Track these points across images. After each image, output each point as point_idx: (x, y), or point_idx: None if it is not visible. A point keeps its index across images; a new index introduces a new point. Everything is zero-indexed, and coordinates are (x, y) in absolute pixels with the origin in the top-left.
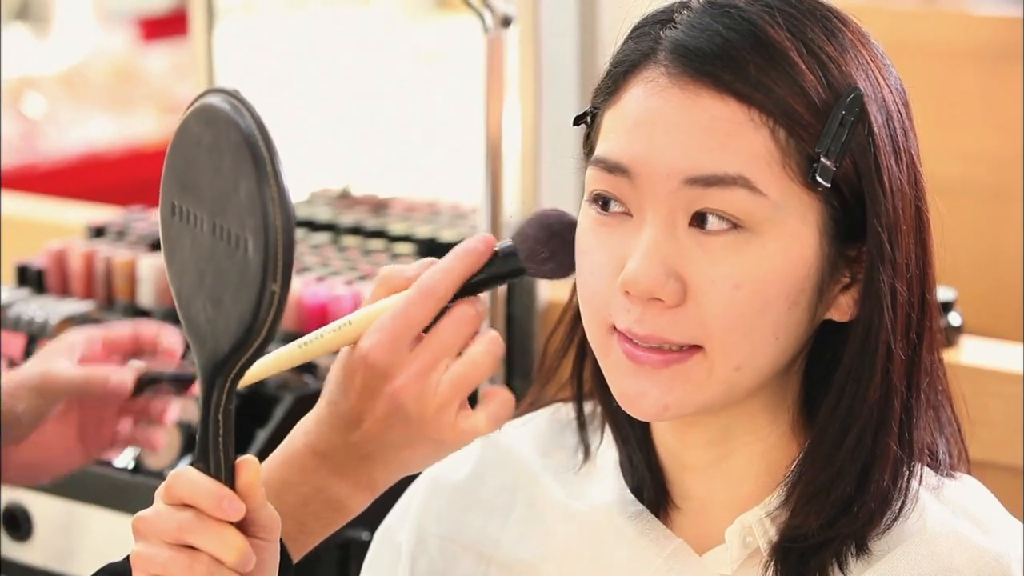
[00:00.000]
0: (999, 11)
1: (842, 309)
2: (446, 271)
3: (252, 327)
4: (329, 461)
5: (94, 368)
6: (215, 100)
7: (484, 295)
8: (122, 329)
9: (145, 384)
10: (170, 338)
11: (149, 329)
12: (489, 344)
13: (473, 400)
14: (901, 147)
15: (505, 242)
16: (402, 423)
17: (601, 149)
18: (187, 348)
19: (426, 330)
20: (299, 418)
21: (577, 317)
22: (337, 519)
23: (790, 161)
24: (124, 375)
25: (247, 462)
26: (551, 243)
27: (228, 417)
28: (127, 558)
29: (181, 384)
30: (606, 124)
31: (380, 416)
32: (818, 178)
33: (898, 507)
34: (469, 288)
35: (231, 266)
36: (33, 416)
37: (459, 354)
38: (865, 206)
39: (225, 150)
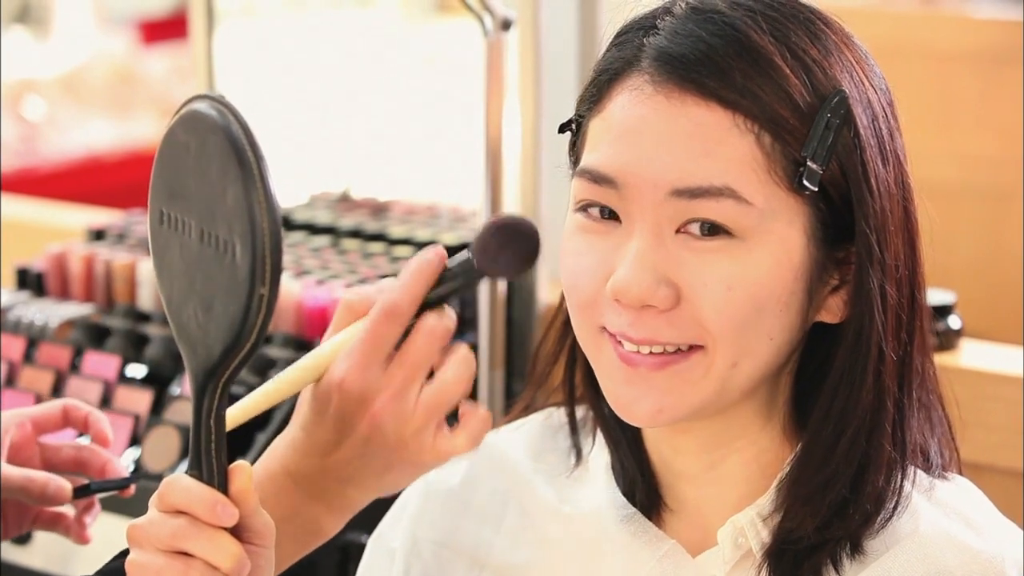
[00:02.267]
0: (999, 14)
1: (832, 311)
2: (404, 287)
3: (242, 331)
4: (306, 484)
5: (33, 473)
6: (201, 106)
7: (453, 306)
8: (51, 408)
9: (82, 493)
10: (101, 424)
11: (80, 409)
12: (460, 365)
13: (453, 416)
14: (887, 148)
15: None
16: (381, 447)
17: (587, 160)
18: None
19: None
20: None
21: (567, 321)
22: (312, 541)
23: (776, 167)
24: (62, 483)
25: (240, 468)
26: (499, 236)
27: (220, 423)
28: (110, 563)
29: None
30: (592, 133)
31: (358, 441)
32: (805, 182)
33: (891, 507)
34: (432, 302)
35: (220, 271)
36: None
37: (432, 370)
38: (853, 208)
39: (212, 155)
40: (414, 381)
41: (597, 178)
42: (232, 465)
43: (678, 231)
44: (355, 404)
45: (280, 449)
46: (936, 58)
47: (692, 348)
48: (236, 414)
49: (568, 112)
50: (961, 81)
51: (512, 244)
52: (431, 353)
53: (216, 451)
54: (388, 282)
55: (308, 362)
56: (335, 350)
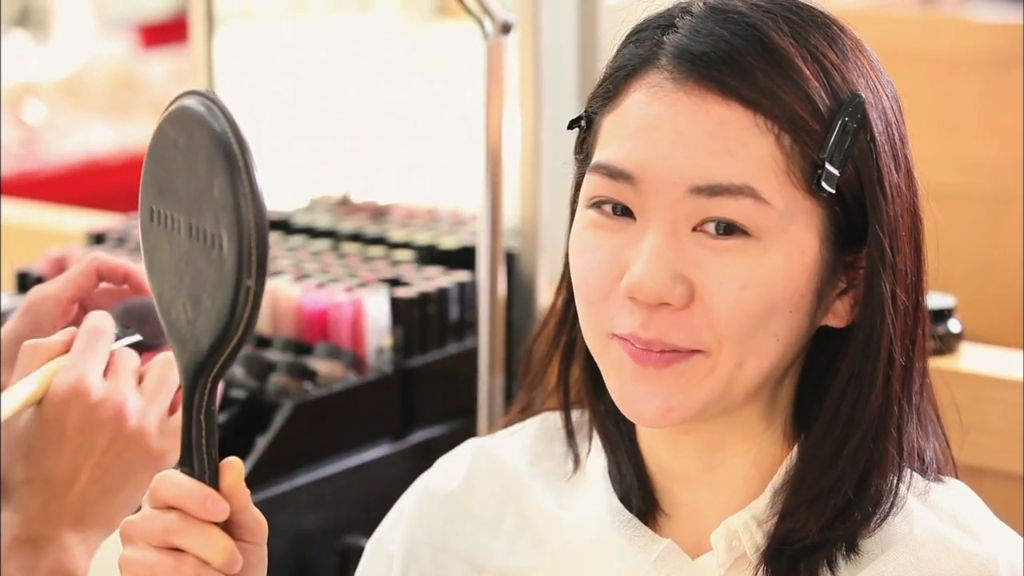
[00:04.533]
0: (999, 18)
1: (839, 315)
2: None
3: (229, 324)
4: (46, 546)
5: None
6: (189, 102)
7: None
8: (84, 270)
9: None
10: (136, 274)
11: (109, 261)
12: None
13: None
14: (899, 152)
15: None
16: (122, 446)
17: (603, 155)
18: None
19: None
20: (299, 425)
21: (561, 323)
22: None
23: (794, 168)
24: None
25: (231, 464)
26: (127, 319)
27: (211, 418)
28: None
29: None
30: (606, 129)
31: (100, 449)
32: (823, 184)
33: (887, 507)
34: None
35: (208, 265)
36: None
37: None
38: (865, 212)
39: (199, 150)
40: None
41: (614, 173)
42: (223, 461)
43: (694, 229)
44: (88, 408)
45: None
46: (936, 61)
47: (694, 351)
48: None
49: (569, 115)
50: (961, 85)
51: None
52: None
53: (207, 447)
54: (70, 331)
55: (20, 390)
56: (46, 377)
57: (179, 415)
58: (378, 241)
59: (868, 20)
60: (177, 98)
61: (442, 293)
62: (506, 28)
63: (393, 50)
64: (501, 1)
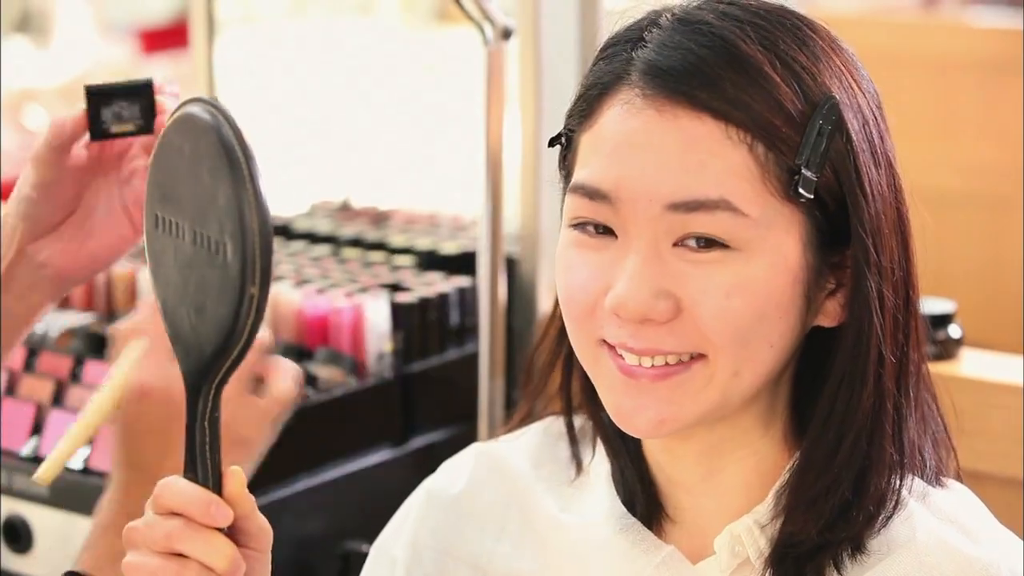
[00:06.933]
0: (999, 23)
1: (830, 315)
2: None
3: (233, 331)
4: None
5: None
6: (194, 109)
7: None
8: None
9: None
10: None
11: None
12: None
13: None
14: (879, 151)
15: None
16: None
17: (581, 175)
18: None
19: None
20: (300, 430)
21: (562, 331)
22: None
23: (770, 176)
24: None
25: (235, 472)
26: None
27: (214, 425)
28: None
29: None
30: (583, 148)
31: (178, 437)
32: (800, 190)
33: (891, 507)
34: None
35: (212, 272)
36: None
37: None
38: (847, 213)
39: (204, 157)
40: None
41: (591, 193)
42: (227, 469)
43: (675, 244)
44: (163, 403)
45: (104, 519)
46: (936, 67)
47: (693, 358)
48: (51, 466)
49: None
50: (961, 89)
51: None
52: None
53: (211, 453)
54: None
55: (103, 393)
56: (123, 371)
57: (266, 401)
58: (378, 246)
59: (868, 25)
60: (181, 105)
61: (442, 298)
62: (507, 34)
63: (393, 55)
64: (502, 6)
